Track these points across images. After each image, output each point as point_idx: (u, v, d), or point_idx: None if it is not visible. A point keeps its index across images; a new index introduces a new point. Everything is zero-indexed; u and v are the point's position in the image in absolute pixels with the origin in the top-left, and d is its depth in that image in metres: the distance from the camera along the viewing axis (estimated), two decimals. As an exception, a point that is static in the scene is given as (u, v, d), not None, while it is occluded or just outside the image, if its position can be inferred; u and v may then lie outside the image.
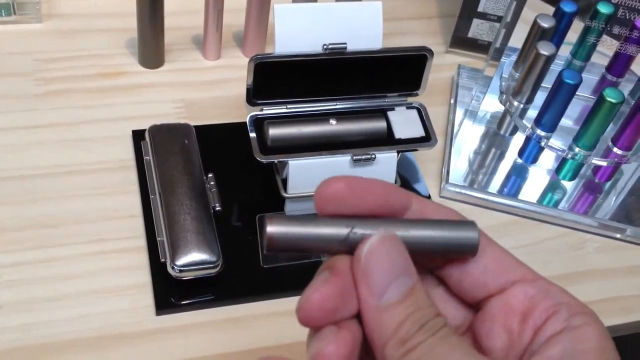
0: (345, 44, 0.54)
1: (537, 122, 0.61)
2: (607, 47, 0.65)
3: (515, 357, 0.27)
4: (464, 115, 0.69)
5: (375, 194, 0.27)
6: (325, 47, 0.54)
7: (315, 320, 0.26)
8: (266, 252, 0.27)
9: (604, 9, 0.62)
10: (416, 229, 0.27)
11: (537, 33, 0.61)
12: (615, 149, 0.61)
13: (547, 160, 0.66)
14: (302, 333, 0.52)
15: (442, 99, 0.71)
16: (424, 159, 0.65)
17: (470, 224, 0.28)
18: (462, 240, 0.28)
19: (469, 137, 0.67)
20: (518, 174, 0.66)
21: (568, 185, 0.65)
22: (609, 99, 0.56)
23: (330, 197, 0.27)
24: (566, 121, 0.66)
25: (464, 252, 0.28)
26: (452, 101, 0.70)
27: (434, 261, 0.30)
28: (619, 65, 0.66)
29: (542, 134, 0.61)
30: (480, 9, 0.72)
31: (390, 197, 0.28)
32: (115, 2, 0.72)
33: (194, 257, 0.51)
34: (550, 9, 0.64)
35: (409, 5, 0.80)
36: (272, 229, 0.27)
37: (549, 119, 0.60)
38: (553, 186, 0.65)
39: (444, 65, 0.74)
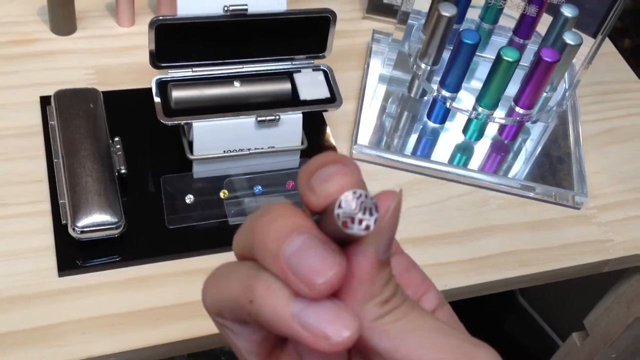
0: (246, 5, 0.55)
1: (442, 83, 0.62)
2: (511, 9, 0.67)
3: None
4: (377, 79, 0.70)
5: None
6: (225, 8, 0.54)
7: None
8: None
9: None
10: None
11: (441, -5, 0.62)
12: (517, 108, 0.62)
13: (459, 122, 0.68)
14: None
15: (358, 64, 0.72)
16: (338, 122, 0.66)
17: None
18: None
19: (381, 101, 0.69)
20: (429, 136, 0.67)
21: (478, 145, 0.67)
22: (505, 57, 0.58)
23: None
24: (476, 83, 0.67)
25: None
26: (365, 66, 0.71)
27: None
28: (524, 27, 0.67)
29: (447, 94, 0.63)
30: (394, -26, 0.73)
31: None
32: (27, -30, 0.71)
33: (94, 218, 0.51)
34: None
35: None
36: None
37: (452, 80, 0.62)
38: (462, 147, 0.67)
39: (361, 30, 0.75)
